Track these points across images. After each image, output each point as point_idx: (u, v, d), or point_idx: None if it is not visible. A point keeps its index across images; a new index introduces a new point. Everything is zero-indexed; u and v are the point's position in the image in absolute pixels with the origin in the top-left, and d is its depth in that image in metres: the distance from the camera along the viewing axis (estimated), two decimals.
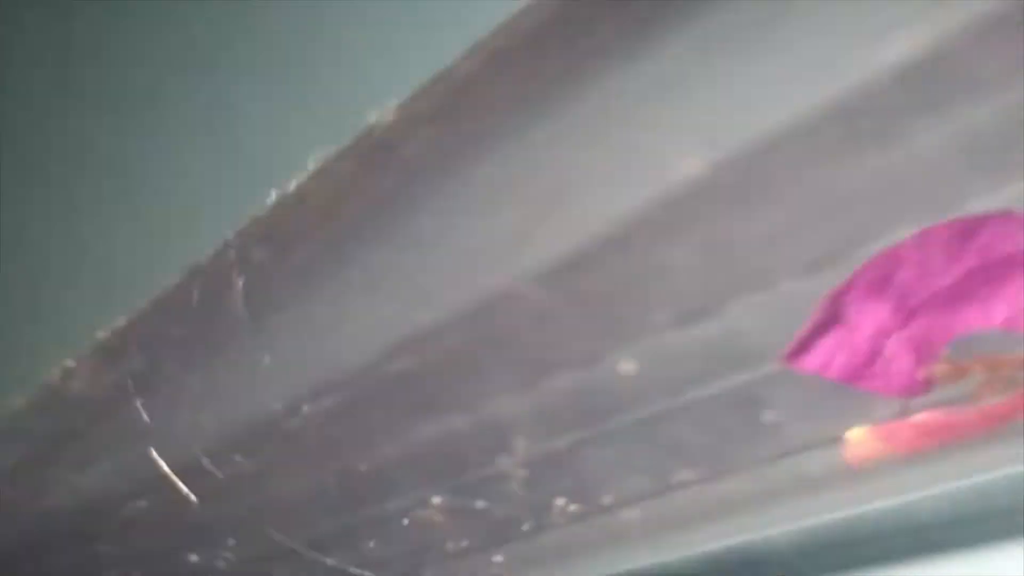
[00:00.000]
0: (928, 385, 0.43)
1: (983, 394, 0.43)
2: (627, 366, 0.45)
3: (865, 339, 0.41)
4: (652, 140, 0.37)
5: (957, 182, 0.37)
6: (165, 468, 0.60)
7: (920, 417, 0.44)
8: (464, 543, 0.60)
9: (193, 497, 0.61)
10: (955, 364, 0.43)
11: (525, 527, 0.56)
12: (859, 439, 0.45)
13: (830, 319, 0.41)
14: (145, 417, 0.57)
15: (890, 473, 0.48)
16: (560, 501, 0.55)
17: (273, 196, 0.45)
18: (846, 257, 0.39)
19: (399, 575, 0.63)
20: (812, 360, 0.41)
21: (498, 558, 0.62)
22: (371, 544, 0.63)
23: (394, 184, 0.43)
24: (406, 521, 0.58)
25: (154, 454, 0.59)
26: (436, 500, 0.55)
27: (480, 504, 0.55)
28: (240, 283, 0.48)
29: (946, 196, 0.37)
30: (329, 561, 0.65)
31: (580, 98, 0.37)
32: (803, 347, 0.41)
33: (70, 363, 0.60)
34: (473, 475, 0.53)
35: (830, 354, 0.41)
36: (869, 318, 0.41)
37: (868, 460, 0.46)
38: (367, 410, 0.52)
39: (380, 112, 0.39)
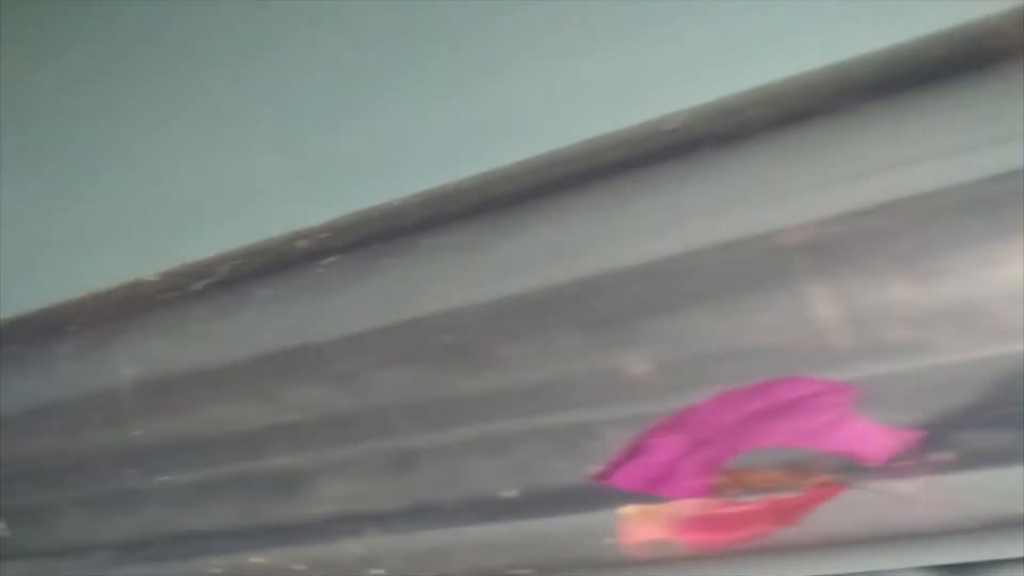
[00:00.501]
0: (710, 491, 0.60)
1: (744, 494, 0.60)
2: None
3: (661, 463, 0.58)
4: None
5: None
6: None
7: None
8: None
9: None
10: (734, 475, 0.60)
11: None
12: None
13: (634, 451, 0.58)
14: None
15: None
16: None
17: None
18: None
19: None
20: (617, 479, 0.58)
21: None
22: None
23: None
24: None
25: None
26: None
27: None
28: None
29: None
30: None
31: None
32: (610, 470, 0.58)
33: None
34: None
35: (631, 475, 0.58)
36: (665, 449, 0.57)
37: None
38: None
39: None
